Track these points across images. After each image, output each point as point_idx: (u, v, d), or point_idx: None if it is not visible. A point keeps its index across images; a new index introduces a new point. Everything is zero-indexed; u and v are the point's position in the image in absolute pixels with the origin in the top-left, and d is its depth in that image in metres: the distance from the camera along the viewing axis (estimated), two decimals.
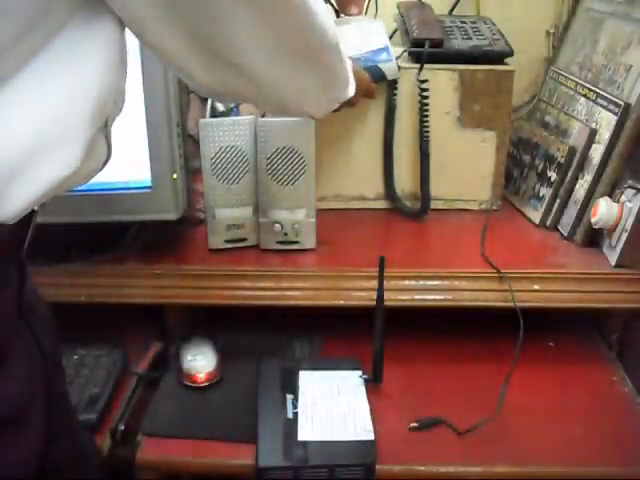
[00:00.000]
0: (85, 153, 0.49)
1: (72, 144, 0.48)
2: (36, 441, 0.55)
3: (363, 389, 0.87)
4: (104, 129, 0.54)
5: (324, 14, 0.58)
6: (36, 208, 0.52)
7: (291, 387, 0.86)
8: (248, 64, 0.55)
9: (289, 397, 0.84)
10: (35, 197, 0.47)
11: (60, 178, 0.48)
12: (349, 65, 0.75)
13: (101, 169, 0.57)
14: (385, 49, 0.99)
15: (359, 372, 0.89)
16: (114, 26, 0.48)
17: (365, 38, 1.01)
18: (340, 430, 0.80)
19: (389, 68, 0.99)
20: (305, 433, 0.79)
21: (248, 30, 0.51)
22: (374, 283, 0.84)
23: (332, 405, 0.84)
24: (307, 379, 0.88)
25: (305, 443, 0.78)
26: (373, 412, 0.83)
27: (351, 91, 0.77)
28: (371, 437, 0.79)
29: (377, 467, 0.77)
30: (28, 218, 0.51)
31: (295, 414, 0.82)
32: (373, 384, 0.88)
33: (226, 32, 0.51)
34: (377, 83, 0.98)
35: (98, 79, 0.48)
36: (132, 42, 0.82)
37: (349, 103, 0.80)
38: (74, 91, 0.47)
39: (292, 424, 0.80)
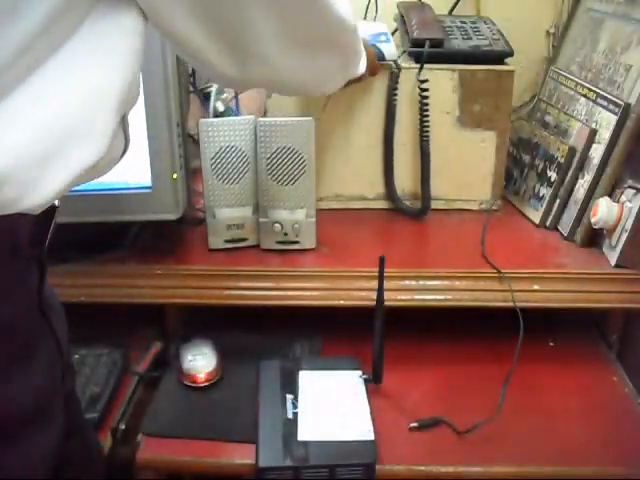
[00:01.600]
0: (111, 140, 0.50)
1: (100, 132, 0.48)
2: (57, 437, 0.55)
3: (363, 389, 0.87)
4: (122, 119, 0.55)
5: (342, 2, 0.59)
6: (57, 204, 0.52)
7: (291, 387, 0.86)
8: (268, 53, 0.56)
9: (289, 397, 0.84)
10: (65, 184, 0.47)
11: (89, 164, 0.48)
12: (362, 40, 0.76)
13: (119, 159, 0.58)
14: (384, 33, 1.02)
15: (359, 372, 0.89)
16: (137, 16, 0.49)
17: (366, 25, 1.04)
18: (340, 430, 0.80)
19: (388, 48, 1.00)
20: (305, 433, 0.79)
21: (267, 20, 0.53)
22: (374, 283, 0.84)
23: (332, 405, 0.84)
24: (307, 379, 0.88)
25: (305, 443, 0.78)
26: (373, 412, 0.83)
27: (363, 67, 0.78)
28: (371, 437, 0.79)
29: (377, 467, 0.77)
30: (50, 215, 0.52)
31: (295, 414, 0.82)
32: (373, 384, 0.88)
33: (245, 22, 0.52)
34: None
35: (123, 69, 0.49)
36: None
37: (357, 79, 0.82)
38: (102, 80, 0.47)
39: (292, 424, 0.80)
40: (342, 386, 0.87)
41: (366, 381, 0.88)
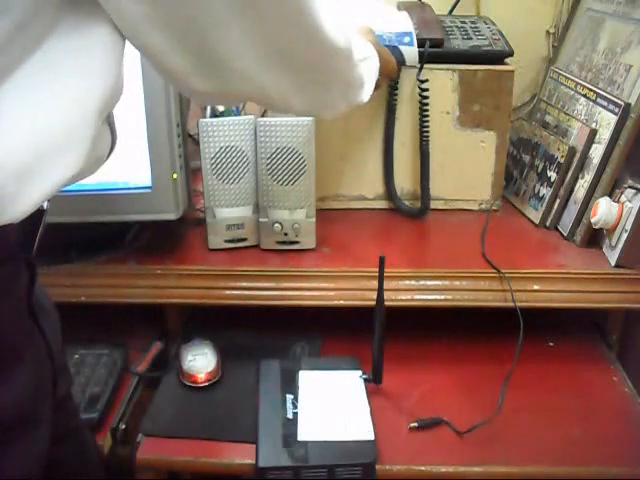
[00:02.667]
0: (92, 146, 0.49)
1: (79, 142, 0.47)
2: (43, 443, 0.54)
3: (363, 389, 0.87)
4: (106, 117, 0.54)
5: (332, 23, 0.53)
6: (46, 206, 0.52)
7: (291, 387, 0.86)
8: (250, 71, 0.53)
9: (289, 397, 0.84)
10: (45, 196, 0.47)
11: (69, 176, 0.47)
12: (365, 65, 0.71)
13: (107, 157, 0.57)
14: (409, 34, 0.98)
15: (359, 372, 0.89)
16: (109, 24, 0.47)
17: (391, 18, 1.01)
18: (340, 430, 0.80)
19: (410, 52, 0.98)
20: (305, 433, 0.79)
21: (245, 37, 0.49)
22: (374, 283, 0.84)
23: (332, 405, 0.84)
24: (307, 379, 0.88)
25: (305, 443, 0.78)
26: (373, 412, 0.83)
27: (365, 96, 0.73)
28: (371, 437, 0.79)
29: (377, 467, 0.77)
30: (38, 217, 0.51)
31: (295, 414, 0.82)
32: (373, 384, 0.88)
33: (218, 39, 0.49)
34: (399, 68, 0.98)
35: (99, 78, 0.47)
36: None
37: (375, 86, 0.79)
38: (81, 88, 0.46)
39: (292, 424, 0.80)
40: (342, 386, 0.87)
41: (366, 381, 0.88)
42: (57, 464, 0.60)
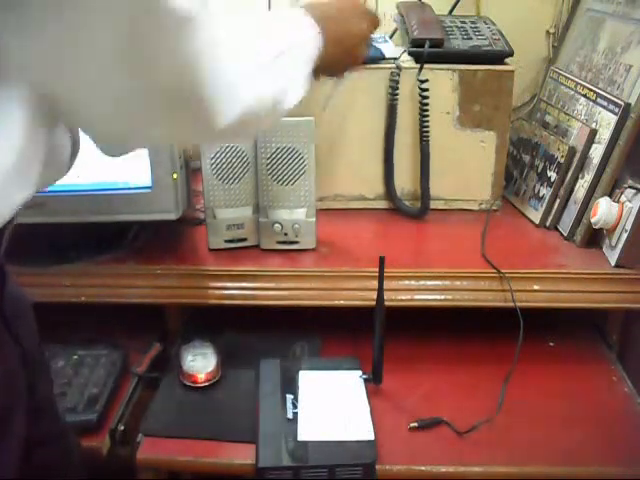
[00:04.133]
0: (45, 166, 0.48)
1: (27, 167, 0.46)
2: (16, 449, 0.53)
3: (363, 389, 0.87)
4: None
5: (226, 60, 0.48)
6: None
7: (291, 387, 0.86)
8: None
9: (289, 397, 0.84)
10: (6, 216, 0.46)
11: (27, 196, 0.47)
12: (284, 61, 0.59)
13: (70, 164, 0.56)
14: (382, 36, 1.05)
15: (359, 372, 0.89)
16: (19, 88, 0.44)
17: None
18: (340, 430, 0.80)
19: (387, 47, 1.02)
20: (305, 433, 0.79)
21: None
22: (374, 283, 0.84)
23: (332, 405, 0.84)
24: (307, 379, 0.88)
25: (305, 443, 0.78)
26: (373, 412, 0.83)
27: (293, 98, 0.61)
28: (371, 437, 0.79)
29: (377, 467, 0.77)
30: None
31: (295, 414, 0.82)
32: (373, 384, 0.88)
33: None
34: (377, 62, 1.01)
35: (12, 145, 0.45)
36: None
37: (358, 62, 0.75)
38: None
39: (292, 424, 0.80)
40: (342, 386, 0.87)
41: (366, 381, 0.88)
42: (35, 468, 0.58)
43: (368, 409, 0.83)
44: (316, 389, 0.86)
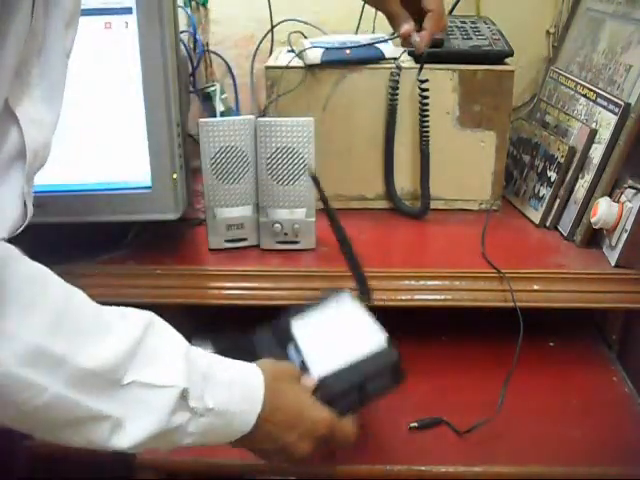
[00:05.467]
0: None
1: None
2: None
3: (357, 304, 0.80)
4: (25, 188, 0.50)
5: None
6: None
7: (289, 339, 0.80)
8: None
9: (290, 347, 0.78)
10: None
11: None
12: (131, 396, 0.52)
13: (21, 227, 0.53)
14: (382, 37, 1.04)
15: (346, 294, 0.82)
16: None
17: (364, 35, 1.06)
18: (352, 350, 0.74)
19: (387, 47, 1.02)
20: (319, 370, 0.73)
21: None
22: (374, 283, 0.83)
23: (334, 334, 0.78)
24: (301, 324, 0.81)
25: (324, 379, 0.72)
26: (373, 412, 0.83)
27: (123, 441, 0.52)
28: (383, 340, 0.74)
29: (377, 467, 0.77)
30: None
31: (302, 362, 0.76)
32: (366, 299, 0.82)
33: None
34: (377, 62, 1.02)
35: None
36: (131, 41, 0.82)
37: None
38: None
39: (305, 371, 0.74)
40: (336, 314, 0.81)
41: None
42: None
43: (370, 319, 0.77)
44: (313, 328, 0.80)
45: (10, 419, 0.49)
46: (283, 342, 0.80)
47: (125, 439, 0.51)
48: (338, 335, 0.78)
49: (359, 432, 0.70)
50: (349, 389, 0.71)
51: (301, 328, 0.81)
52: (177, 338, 0.57)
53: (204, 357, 0.58)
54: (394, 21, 0.87)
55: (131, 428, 0.51)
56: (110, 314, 0.53)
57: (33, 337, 0.45)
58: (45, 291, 0.48)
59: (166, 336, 0.56)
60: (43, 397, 0.46)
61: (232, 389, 0.58)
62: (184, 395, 0.53)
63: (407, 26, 0.85)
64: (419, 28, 0.87)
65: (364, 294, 0.81)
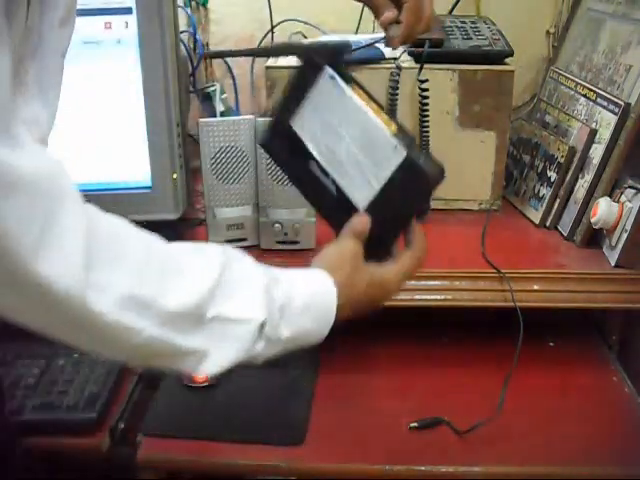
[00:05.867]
0: None
1: None
2: None
3: (344, 86, 0.71)
4: None
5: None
6: None
7: (304, 153, 0.71)
8: None
9: (312, 165, 0.71)
10: None
11: None
12: (213, 329, 0.55)
13: None
14: (382, 37, 1.02)
15: (326, 74, 0.71)
16: None
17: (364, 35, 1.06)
18: (374, 162, 0.68)
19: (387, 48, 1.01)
20: (359, 199, 0.69)
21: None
22: None
23: (346, 140, 0.70)
24: (303, 127, 0.72)
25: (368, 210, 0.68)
26: (373, 412, 0.83)
27: (205, 367, 0.56)
28: (397, 142, 0.68)
29: (376, 467, 0.77)
30: None
31: (337, 187, 0.70)
32: None
33: None
34: (377, 62, 1.02)
35: None
36: (131, 41, 0.82)
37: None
38: None
39: (341, 195, 0.70)
40: (331, 104, 0.71)
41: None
42: None
43: (369, 107, 0.72)
44: (321, 134, 0.71)
45: (113, 355, 0.57)
46: (296, 151, 0.72)
47: (211, 368, 0.56)
48: (351, 141, 0.70)
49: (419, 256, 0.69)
50: (392, 215, 0.68)
51: (308, 136, 0.72)
52: (254, 270, 0.59)
53: (279, 286, 0.59)
54: (377, 12, 0.84)
55: (216, 358, 0.56)
56: (188, 254, 0.56)
57: (123, 286, 0.49)
58: (127, 243, 0.51)
59: (243, 269, 0.58)
60: (140, 337, 0.50)
61: (306, 315, 0.60)
62: (262, 326, 0.56)
63: (387, 13, 0.81)
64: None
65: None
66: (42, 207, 0.44)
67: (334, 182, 0.70)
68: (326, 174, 0.70)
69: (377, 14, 0.84)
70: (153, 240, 0.54)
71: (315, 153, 0.71)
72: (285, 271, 0.61)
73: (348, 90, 0.71)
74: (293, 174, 0.75)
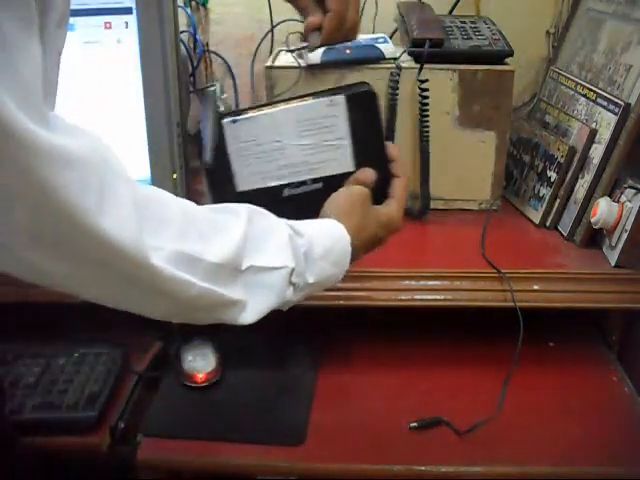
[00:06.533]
0: None
1: None
2: None
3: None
4: None
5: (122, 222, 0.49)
6: None
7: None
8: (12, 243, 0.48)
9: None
10: None
11: None
12: (251, 279, 0.60)
13: None
14: (382, 37, 1.05)
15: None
16: None
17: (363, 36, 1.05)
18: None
19: (387, 48, 1.02)
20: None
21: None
22: (374, 283, 0.84)
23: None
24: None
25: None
26: (373, 412, 0.83)
27: (243, 317, 0.63)
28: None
29: (376, 467, 0.77)
30: None
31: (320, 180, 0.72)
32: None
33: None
34: (377, 62, 1.02)
35: None
36: (131, 41, 0.82)
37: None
38: None
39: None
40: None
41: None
42: None
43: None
44: (266, 164, 0.71)
45: (162, 311, 0.61)
46: (268, 196, 0.72)
47: (249, 316, 0.63)
48: (297, 139, 0.71)
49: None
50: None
51: (259, 179, 0.72)
52: (277, 222, 0.63)
53: (300, 236, 0.63)
54: (304, 14, 0.80)
55: (253, 307, 0.62)
56: (218, 213, 0.60)
57: (172, 245, 0.53)
58: (168, 207, 0.56)
59: (268, 221, 0.63)
60: (193, 290, 0.55)
61: (326, 261, 0.65)
62: (291, 273, 0.61)
63: (311, 19, 0.77)
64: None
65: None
66: (95, 177, 0.48)
67: (315, 180, 0.73)
68: (304, 183, 0.73)
69: (304, 17, 0.81)
70: (188, 204, 0.59)
71: (278, 183, 0.73)
72: (301, 223, 0.65)
73: (253, 114, 0.70)
74: (284, 211, 0.72)
